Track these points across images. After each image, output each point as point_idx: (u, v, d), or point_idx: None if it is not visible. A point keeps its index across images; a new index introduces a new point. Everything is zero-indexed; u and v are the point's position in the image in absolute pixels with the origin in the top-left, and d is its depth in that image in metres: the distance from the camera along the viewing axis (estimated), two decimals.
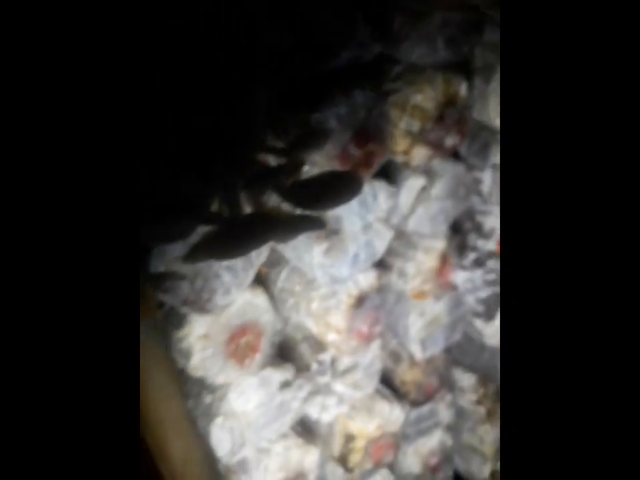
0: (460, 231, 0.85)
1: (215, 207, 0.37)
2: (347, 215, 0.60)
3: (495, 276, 0.81)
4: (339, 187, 0.40)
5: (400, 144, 0.67)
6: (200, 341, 0.63)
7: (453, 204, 0.78)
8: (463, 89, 0.66)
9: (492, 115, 0.75)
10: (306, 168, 0.49)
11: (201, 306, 0.58)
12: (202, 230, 0.37)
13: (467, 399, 1.06)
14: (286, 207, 0.41)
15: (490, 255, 0.80)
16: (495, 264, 0.80)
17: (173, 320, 0.64)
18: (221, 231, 0.37)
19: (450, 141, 0.66)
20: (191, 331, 0.63)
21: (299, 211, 0.42)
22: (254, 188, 0.40)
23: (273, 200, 0.44)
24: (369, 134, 0.56)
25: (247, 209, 0.41)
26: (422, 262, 0.80)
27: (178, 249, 0.47)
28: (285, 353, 0.76)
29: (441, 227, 0.80)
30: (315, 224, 0.40)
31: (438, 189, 0.75)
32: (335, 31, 0.49)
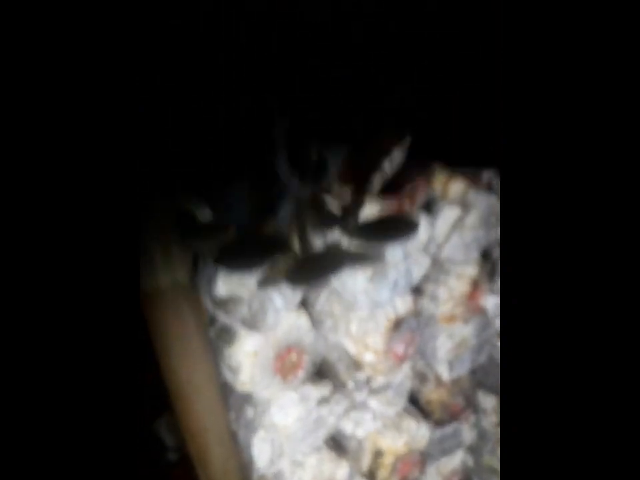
0: (490, 258, 0.88)
1: (289, 243, 0.42)
2: (390, 248, 0.64)
3: None
4: (398, 227, 0.44)
5: (439, 178, 0.71)
6: (249, 358, 0.67)
7: (485, 232, 0.82)
8: None
9: None
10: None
11: (255, 325, 0.62)
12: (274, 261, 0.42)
13: (489, 421, 1.08)
14: (346, 242, 0.46)
15: None
16: None
17: (224, 337, 0.69)
18: (298, 263, 0.41)
19: (486, 175, 0.70)
20: (241, 348, 0.67)
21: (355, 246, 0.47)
22: (325, 228, 0.44)
23: (335, 236, 0.48)
24: (414, 171, 0.61)
25: (317, 245, 0.46)
26: (454, 287, 0.84)
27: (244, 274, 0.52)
28: (321, 369, 0.80)
29: (473, 254, 0.84)
30: (377, 258, 0.45)
31: (472, 218, 0.79)
32: None
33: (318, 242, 0.46)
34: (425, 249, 0.72)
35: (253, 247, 0.41)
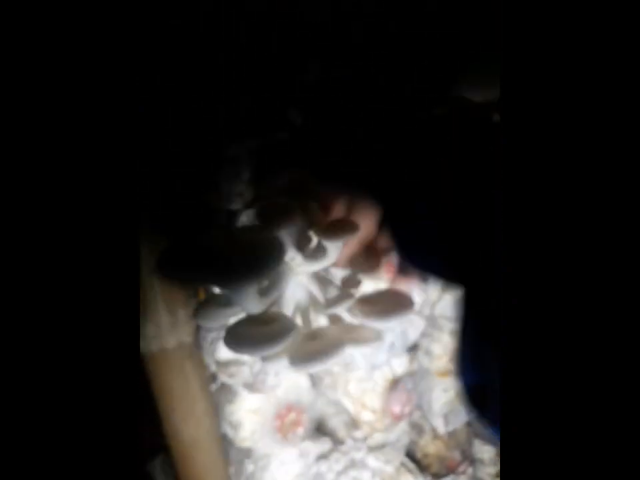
0: None
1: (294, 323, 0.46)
2: None
3: None
4: (396, 303, 0.48)
5: None
6: (250, 415, 0.70)
7: None
8: None
9: None
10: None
11: (256, 387, 0.65)
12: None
13: (486, 472, 1.09)
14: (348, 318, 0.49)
15: None
16: None
17: (225, 395, 0.72)
18: (301, 343, 0.45)
19: None
20: (242, 406, 0.70)
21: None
22: (329, 306, 0.48)
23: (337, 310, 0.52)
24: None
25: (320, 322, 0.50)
26: (448, 343, 0.87)
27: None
28: (320, 426, 0.82)
29: None
30: (376, 336, 0.48)
31: None
32: None
33: (321, 320, 0.50)
34: (420, 311, 0.75)
35: (260, 328, 0.44)
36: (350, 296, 0.48)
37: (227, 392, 0.72)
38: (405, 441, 0.87)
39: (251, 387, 0.65)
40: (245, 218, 0.66)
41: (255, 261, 0.39)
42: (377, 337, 0.47)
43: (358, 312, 0.47)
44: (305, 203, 0.48)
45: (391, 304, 0.48)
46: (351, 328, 0.47)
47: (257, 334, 0.44)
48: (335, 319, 0.48)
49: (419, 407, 0.95)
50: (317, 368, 0.42)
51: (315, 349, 0.44)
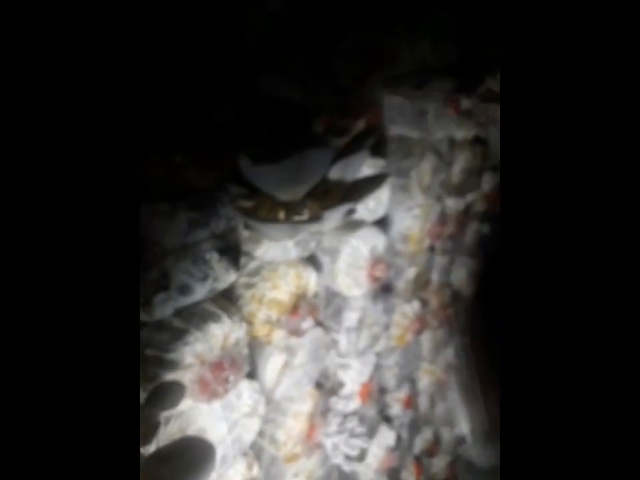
0: (323, 387, 0.89)
1: None
2: (211, 423, 0.59)
3: (360, 429, 0.86)
4: (195, 458, 0.40)
5: (260, 330, 0.70)
6: None
7: (314, 366, 0.83)
8: (312, 280, 0.72)
9: (341, 285, 0.84)
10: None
11: None
12: None
13: None
14: None
15: (352, 414, 0.85)
16: (356, 421, 0.85)
17: None
18: None
19: (305, 324, 0.71)
20: None
21: None
22: None
23: None
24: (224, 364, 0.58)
25: None
26: (292, 427, 0.81)
27: None
28: None
29: (306, 388, 0.83)
30: None
31: (300, 357, 0.79)
32: None
33: None
34: (254, 410, 0.68)
35: None
36: None
37: None
38: None
39: None
40: None
41: None
42: None
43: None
44: None
45: (188, 461, 0.41)
46: None
47: None
48: None
49: None
50: None
51: None
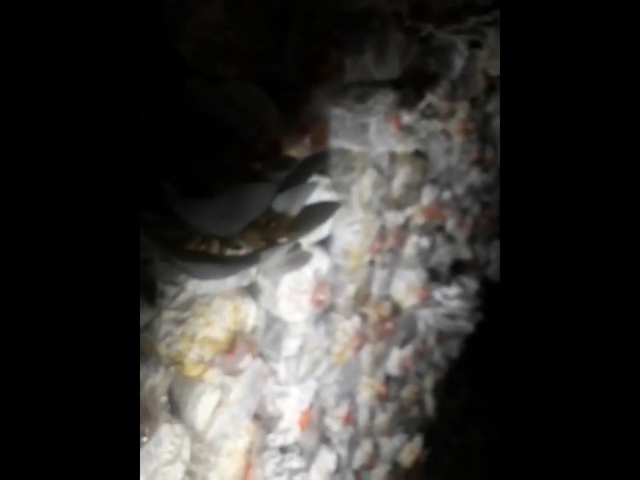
0: (261, 419, 0.83)
1: None
2: None
3: (299, 465, 0.81)
4: None
5: (191, 371, 0.62)
6: None
7: (252, 399, 0.77)
8: (252, 313, 0.66)
9: (282, 311, 0.78)
10: None
11: None
12: None
13: None
14: None
15: (291, 450, 0.80)
16: (296, 457, 0.80)
17: None
18: None
19: (243, 364, 0.65)
20: None
21: None
22: None
23: None
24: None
25: None
26: (225, 468, 0.75)
27: None
28: None
29: (242, 422, 0.77)
30: None
31: (236, 392, 0.73)
32: None
33: None
34: (177, 455, 0.61)
35: None
36: None
37: None
38: None
39: None
40: None
41: None
42: None
43: None
44: None
45: None
46: None
47: None
48: None
49: None
50: None
51: None
